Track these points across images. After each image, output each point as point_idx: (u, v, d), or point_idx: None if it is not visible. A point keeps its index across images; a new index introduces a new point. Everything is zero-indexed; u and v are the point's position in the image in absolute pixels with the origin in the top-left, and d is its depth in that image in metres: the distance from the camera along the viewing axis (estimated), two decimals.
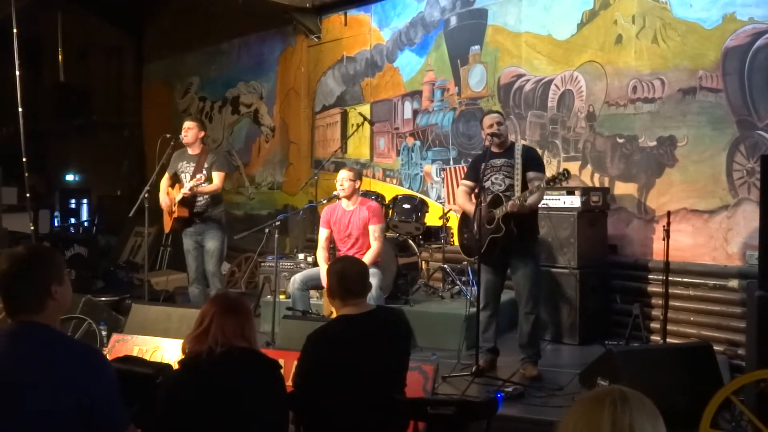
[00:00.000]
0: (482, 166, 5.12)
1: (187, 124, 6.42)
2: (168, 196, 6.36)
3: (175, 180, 6.44)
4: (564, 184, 4.89)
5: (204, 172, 6.11)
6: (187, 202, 6.22)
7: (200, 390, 2.57)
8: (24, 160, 6.86)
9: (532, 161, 5.12)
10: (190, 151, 6.41)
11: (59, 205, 12.70)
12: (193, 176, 6.18)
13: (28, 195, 7.18)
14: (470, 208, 5.19)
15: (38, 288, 2.30)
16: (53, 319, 2.35)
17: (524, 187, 5.00)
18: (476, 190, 5.26)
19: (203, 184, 6.10)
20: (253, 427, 2.57)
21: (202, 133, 6.47)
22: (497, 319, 5.27)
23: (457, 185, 7.59)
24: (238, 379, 2.62)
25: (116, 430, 2.28)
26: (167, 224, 6.45)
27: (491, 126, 5.10)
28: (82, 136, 12.68)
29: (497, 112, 5.38)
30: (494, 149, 5.12)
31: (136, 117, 12.92)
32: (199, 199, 6.27)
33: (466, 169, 5.72)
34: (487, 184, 5.10)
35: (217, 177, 6.28)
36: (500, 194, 4.99)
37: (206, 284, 6.42)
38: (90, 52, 12.81)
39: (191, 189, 6.08)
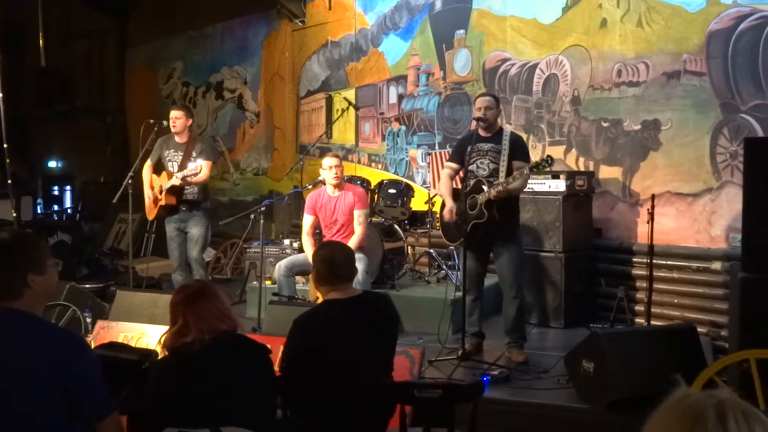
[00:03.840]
0: (468, 149, 5.11)
1: (175, 114, 6.30)
2: (151, 185, 6.30)
3: (158, 167, 6.37)
4: (547, 170, 4.90)
5: (198, 162, 6.03)
6: (176, 191, 6.16)
7: (191, 376, 2.57)
8: (5, 146, 6.78)
9: (519, 150, 5.11)
10: (177, 138, 6.32)
11: (42, 192, 12.59)
12: (182, 165, 6.12)
13: (9, 182, 7.09)
14: (448, 201, 5.19)
15: (14, 276, 2.28)
16: (34, 306, 2.33)
17: (509, 174, 4.99)
18: (461, 173, 5.27)
19: (194, 173, 6.06)
20: (241, 412, 2.57)
21: (190, 121, 6.37)
22: (481, 303, 5.27)
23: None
24: (227, 365, 2.61)
25: (100, 416, 2.28)
26: (151, 211, 6.37)
27: (479, 109, 5.09)
28: (65, 122, 12.56)
29: (491, 95, 5.30)
30: (482, 133, 5.10)
31: (119, 102, 12.82)
32: (188, 188, 6.21)
33: (450, 151, 5.70)
34: (472, 167, 5.08)
35: (206, 166, 6.19)
36: (483, 180, 4.99)
37: (189, 271, 6.36)
38: (72, 37, 12.67)
39: (184, 179, 6.01)
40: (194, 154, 6.21)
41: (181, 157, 6.22)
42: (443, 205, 5.40)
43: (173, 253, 6.38)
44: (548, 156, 4.80)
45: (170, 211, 6.28)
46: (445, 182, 5.28)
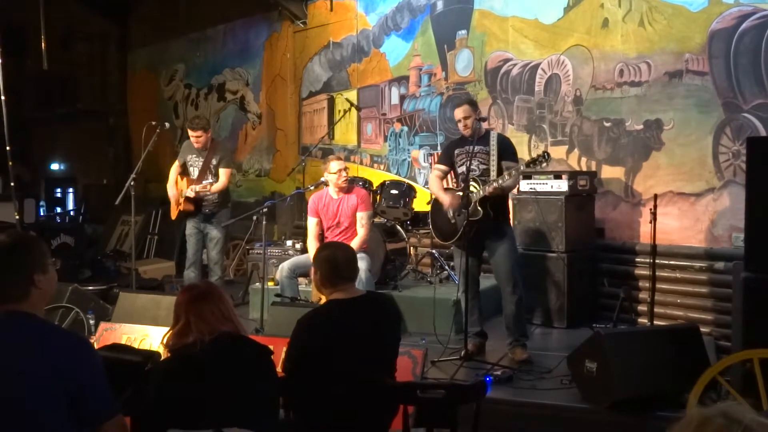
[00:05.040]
0: (456, 152, 5.15)
1: (194, 134, 6.41)
2: (176, 186, 6.50)
3: (184, 169, 6.56)
4: (543, 166, 4.91)
5: (212, 179, 6.27)
6: (193, 200, 6.36)
7: (193, 377, 2.57)
8: (8, 149, 6.78)
9: (507, 151, 5.14)
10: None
11: (45, 195, 12.61)
12: (201, 174, 6.36)
13: (12, 184, 7.09)
14: (442, 195, 5.22)
15: (21, 277, 2.28)
16: (38, 307, 2.33)
17: (499, 174, 5.02)
18: (450, 175, 5.32)
19: (209, 181, 6.27)
20: (244, 413, 2.57)
21: (210, 133, 6.55)
22: (479, 301, 5.28)
23: None
24: (229, 366, 2.61)
25: (104, 417, 2.27)
26: (173, 212, 6.59)
27: (459, 121, 5.14)
28: (67, 125, 12.59)
29: (467, 102, 5.21)
30: (469, 137, 5.14)
31: (121, 105, 12.83)
32: (207, 198, 6.40)
33: (439, 155, 5.72)
34: (462, 169, 5.10)
35: (224, 174, 6.43)
36: (477, 179, 5.01)
37: (202, 270, 6.59)
38: (74, 40, 12.70)
39: (197, 193, 6.24)
40: (214, 162, 6.43)
41: (201, 164, 6.43)
42: (434, 207, 5.41)
43: (190, 250, 6.58)
44: (545, 152, 4.81)
45: (191, 214, 6.49)
46: (436, 182, 5.32)
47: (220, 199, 6.48)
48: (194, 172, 6.47)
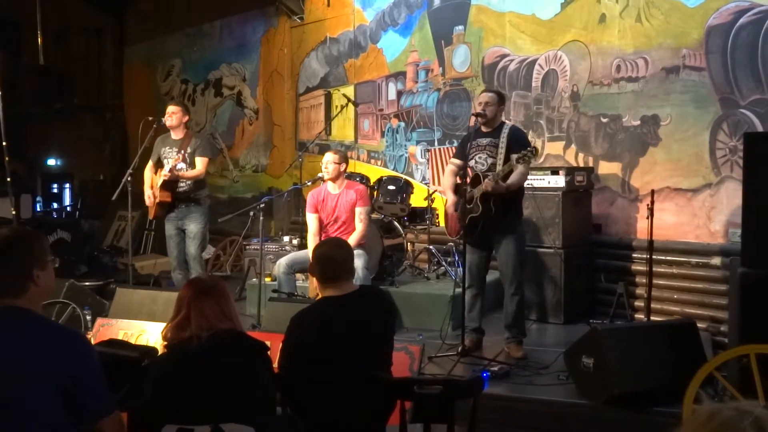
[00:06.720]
0: (469, 145, 5.13)
1: (171, 108, 6.28)
2: (151, 185, 6.29)
3: (159, 166, 6.34)
4: (533, 161, 4.94)
5: (182, 152, 6.03)
6: (169, 186, 6.13)
7: (190, 373, 2.57)
8: (4, 144, 6.75)
9: (518, 143, 5.07)
10: (173, 135, 6.29)
11: (41, 190, 12.54)
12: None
13: (9, 180, 7.07)
14: (449, 195, 5.23)
15: (19, 271, 2.27)
16: (35, 303, 2.33)
17: None
18: (468, 170, 5.31)
19: (180, 165, 6.03)
20: (240, 409, 2.57)
21: (187, 118, 6.35)
22: (482, 298, 5.27)
23: (442, 166, 7.62)
24: (226, 362, 2.61)
25: (101, 413, 2.27)
26: (151, 210, 6.37)
27: (480, 104, 5.13)
28: (63, 120, 12.53)
29: (494, 91, 5.29)
30: (482, 128, 5.12)
31: (117, 100, 12.80)
32: (182, 183, 6.18)
33: (455, 148, 5.73)
34: (471, 163, 5.10)
35: (201, 162, 6.17)
36: (480, 173, 5.00)
37: (188, 269, 6.34)
38: (70, 35, 12.64)
39: (171, 171, 5.98)
40: (189, 150, 6.18)
41: (175, 154, 6.19)
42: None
43: (172, 252, 6.37)
44: (533, 146, 4.85)
45: (168, 209, 6.25)
46: (447, 177, 5.33)
47: (194, 188, 6.22)
48: (169, 164, 6.16)
